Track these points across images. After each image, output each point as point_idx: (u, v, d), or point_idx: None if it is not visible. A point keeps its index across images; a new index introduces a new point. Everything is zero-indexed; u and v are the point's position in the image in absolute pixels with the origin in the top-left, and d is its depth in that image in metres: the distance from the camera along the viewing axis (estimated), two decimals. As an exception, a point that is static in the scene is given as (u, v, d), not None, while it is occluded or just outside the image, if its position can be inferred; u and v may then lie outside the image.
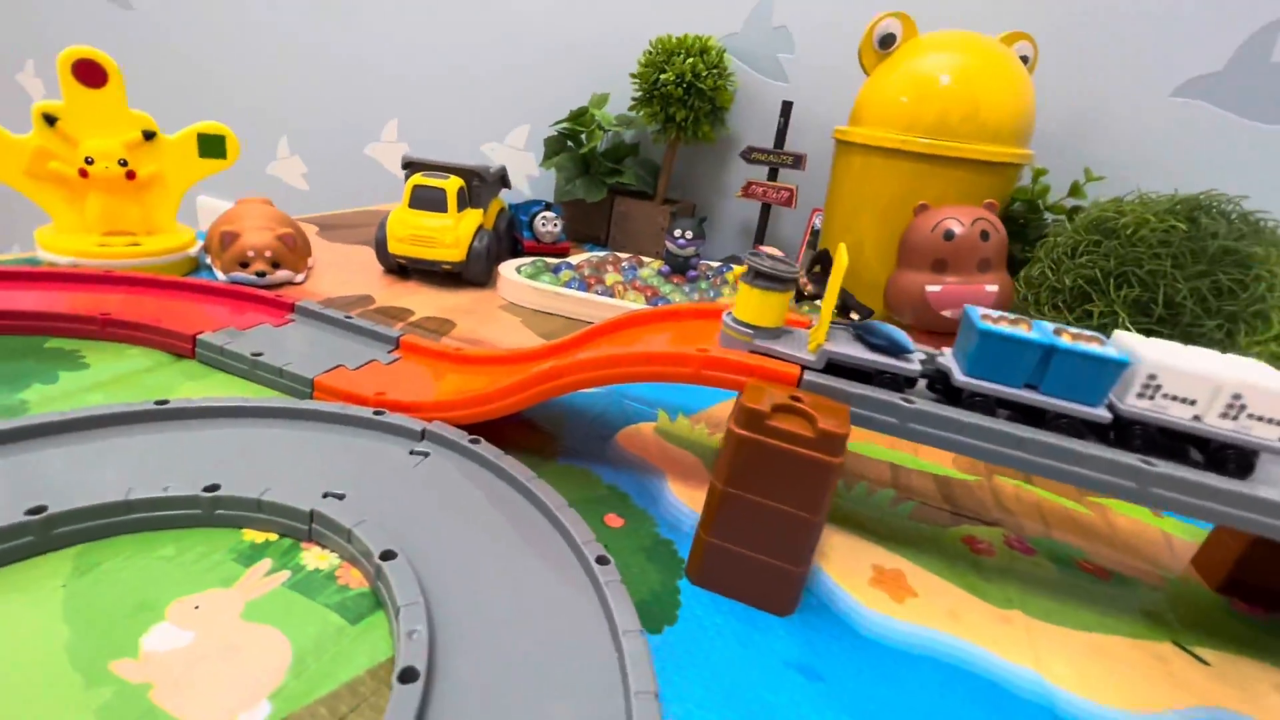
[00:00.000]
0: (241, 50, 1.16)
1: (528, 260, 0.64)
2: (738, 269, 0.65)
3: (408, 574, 0.24)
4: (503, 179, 0.69)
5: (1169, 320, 0.46)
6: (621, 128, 0.83)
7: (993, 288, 0.50)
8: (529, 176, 1.00)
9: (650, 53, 0.76)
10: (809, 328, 0.33)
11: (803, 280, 0.64)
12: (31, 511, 0.24)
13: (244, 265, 0.51)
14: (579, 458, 0.36)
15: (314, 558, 0.26)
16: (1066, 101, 0.70)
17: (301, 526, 0.27)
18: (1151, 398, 0.25)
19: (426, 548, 0.26)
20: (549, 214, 0.71)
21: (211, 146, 0.52)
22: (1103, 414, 0.25)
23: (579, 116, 0.81)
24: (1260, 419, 0.24)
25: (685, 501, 0.34)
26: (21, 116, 1.45)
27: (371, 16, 1.04)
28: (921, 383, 0.28)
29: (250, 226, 0.52)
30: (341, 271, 0.60)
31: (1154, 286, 0.46)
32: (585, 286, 0.59)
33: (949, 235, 0.51)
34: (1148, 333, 0.47)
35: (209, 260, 0.53)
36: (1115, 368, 0.25)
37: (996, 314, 0.27)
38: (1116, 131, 0.69)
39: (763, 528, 0.26)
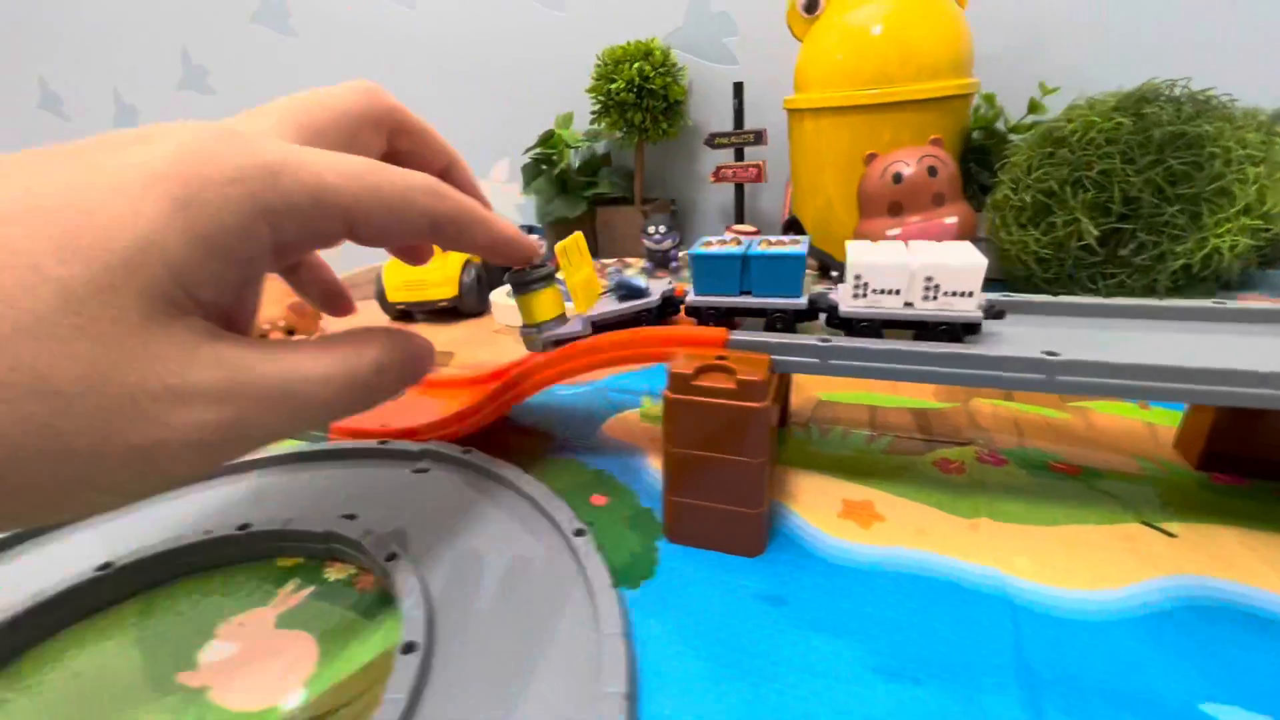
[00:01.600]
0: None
1: (517, 283, 0.68)
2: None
3: (409, 570, 0.27)
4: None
5: (1131, 216, 0.47)
6: (589, 142, 0.86)
7: (951, 220, 0.51)
8: (517, 205, 1.05)
9: (599, 65, 0.79)
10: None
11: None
12: (100, 567, 0.29)
13: (263, 337, 0.57)
14: (569, 451, 0.40)
15: (335, 572, 0.30)
16: (1010, 18, 0.69)
17: (321, 547, 0.31)
18: (865, 295, 0.29)
19: (429, 548, 0.30)
20: (530, 236, 0.74)
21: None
22: (801, 303, 0.30)
23: (547, 140, 0.85)
24: (956, 294, 0.27)
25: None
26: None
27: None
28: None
29: (264, 302, 0.58)
30: (351, 325, 0.65)
31: (1109, 186, 0.46)
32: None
33: (898, 178, 0.52)
34: (1113, 232, 0.47)
35: (233, 340, 0.59)
36: (795, 262, 0.29)
37: (717, 239, 0.32)
38: (1066, 37, 0.69)
39: (715, 479, 0.28)
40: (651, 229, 0.68)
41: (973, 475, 0.34)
